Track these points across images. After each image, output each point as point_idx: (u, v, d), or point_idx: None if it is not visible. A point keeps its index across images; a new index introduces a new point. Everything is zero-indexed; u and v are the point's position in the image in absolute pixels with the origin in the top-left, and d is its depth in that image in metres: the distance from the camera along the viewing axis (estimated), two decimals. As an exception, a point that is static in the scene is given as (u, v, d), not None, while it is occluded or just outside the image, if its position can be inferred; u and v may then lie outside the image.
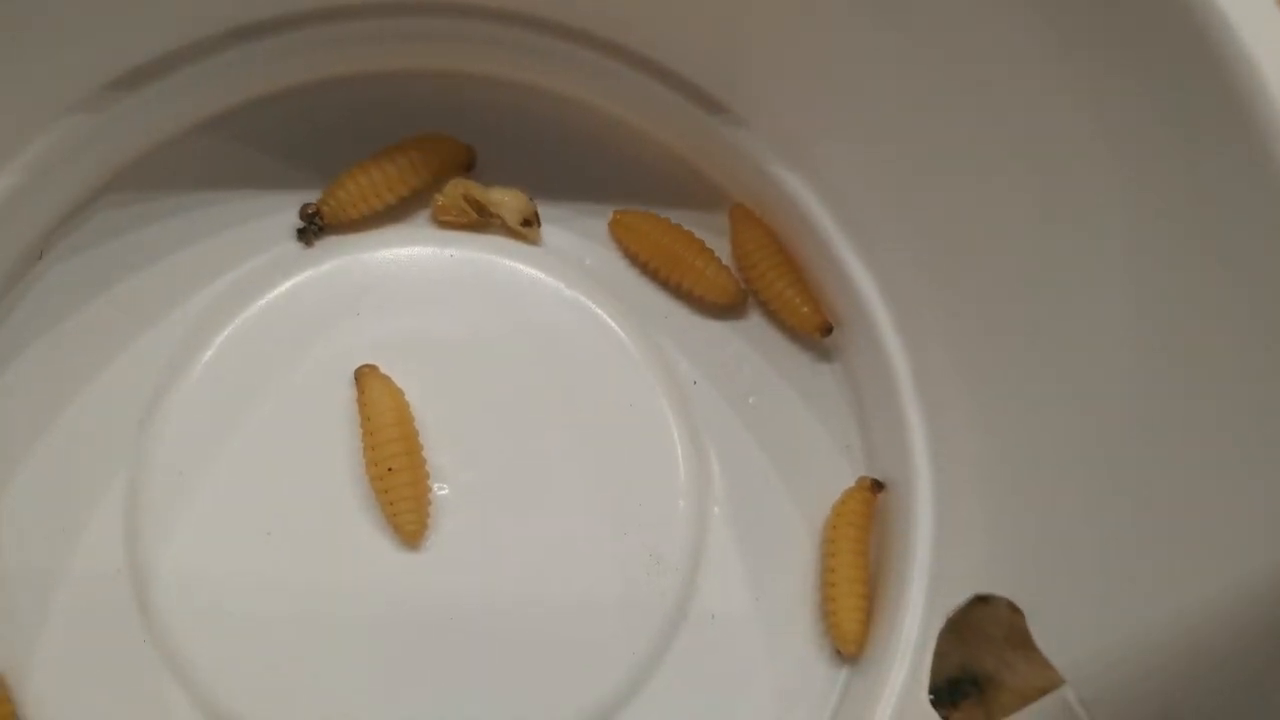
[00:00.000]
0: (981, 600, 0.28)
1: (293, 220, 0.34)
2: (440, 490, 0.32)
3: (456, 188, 0.34)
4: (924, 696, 0.29)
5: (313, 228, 0.34)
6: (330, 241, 0.34)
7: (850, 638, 0.32)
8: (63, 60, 0.30)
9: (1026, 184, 0.27)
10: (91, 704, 0.30)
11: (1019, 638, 0.26)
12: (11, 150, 0.30)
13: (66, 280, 0.33)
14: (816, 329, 0.34)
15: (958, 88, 0.27)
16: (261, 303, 0.33)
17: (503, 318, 0.34)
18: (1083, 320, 0.27)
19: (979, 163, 0.28)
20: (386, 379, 0.32)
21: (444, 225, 0.35)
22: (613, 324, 0.34)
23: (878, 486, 0.33)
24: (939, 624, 0.30)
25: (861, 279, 0.33)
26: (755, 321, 0.35)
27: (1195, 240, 0.22)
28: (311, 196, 0.34)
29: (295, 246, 0.34)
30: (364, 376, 0.32)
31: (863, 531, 0.33)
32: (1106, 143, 0.24)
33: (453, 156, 0.35)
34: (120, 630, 0.30)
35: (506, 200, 0.34)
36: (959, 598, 0.29)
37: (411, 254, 0.34)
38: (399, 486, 0.30)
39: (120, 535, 0.31)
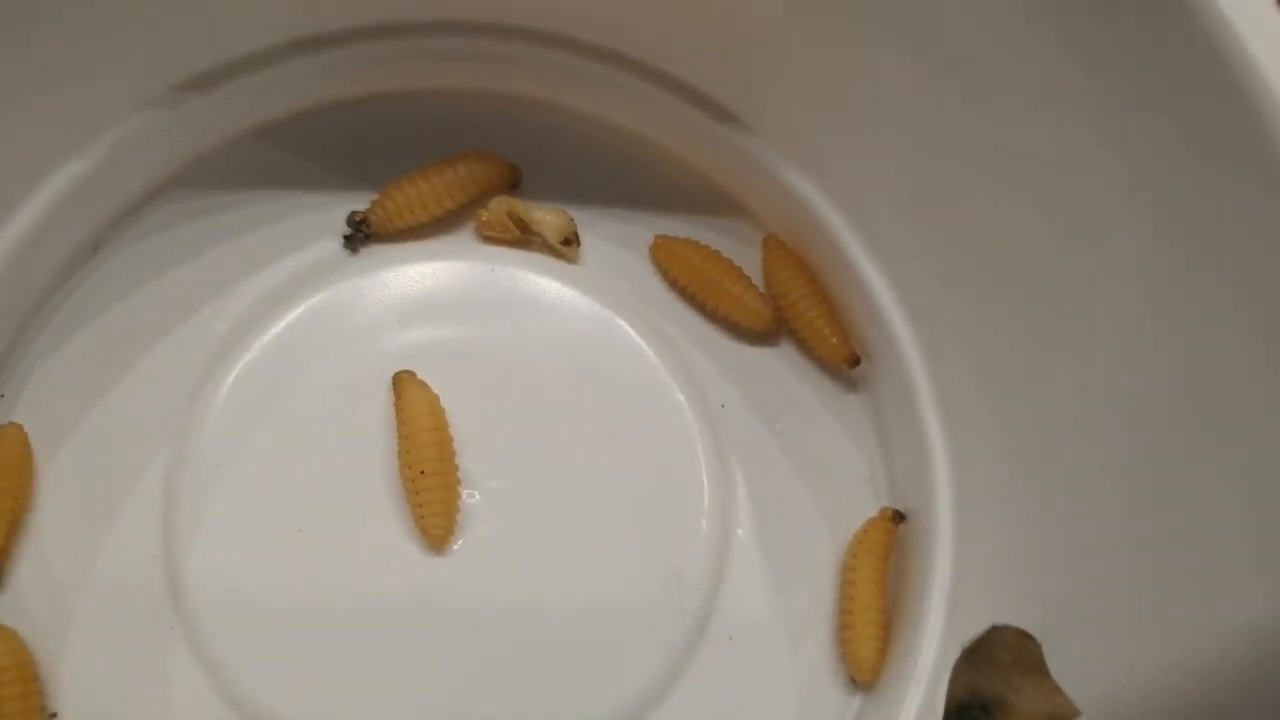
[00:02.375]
0: (998, 630, 0.28)
1: (340, 227, 0.35)
2: (470, 497, 0.32)
3: (501, 204, 0.35)
4: (937, 726, 0.29)
5: (359, 235, 0.35)
6: (376, 250, 0.35)
7: (866, 665, 0.32)
8: (135, 60, 0.31)
9: (1047, 211, 0.27)
10: (118, 686, 0.30)
11: (1034, 668, 0.26)
12: (85, 140, 0.32)
13: (120, 273, 0.34)
14: (845, 360, 0.35)
15: (967, 103, 0.28)
16: (306, 305, 0.34)
17: (539, 333, 0.35)
18: (1107, 360, 0.27)
19: (994, 182, 0.29)
20: (424, 385, 0.32)
21: (487, 240, 0.36)
22: (645, 344, 0.35)
23: (899, 517, 0.33)
24: (955, 654, 0.30)
25: (891, 313, 0.34)
26: (786, 350, 0.36)
27: (1211, 263, 0.22)
28: (359, 205, 0.35)
29: (342, 253, 0.35)
30: (402, 382, 0.32)
31: (882, 561, 0.33)
32: (1128, 177, 0.24)
33: (499, 174, 0.36)
34: (151, 616, 0.31)
35: (548, 219, 0.35)
36: (976, 628, 0.29)
37: (454, 266, 0.35)
38: (430, 490, 0.31)
39: (156, 523, 0.32)
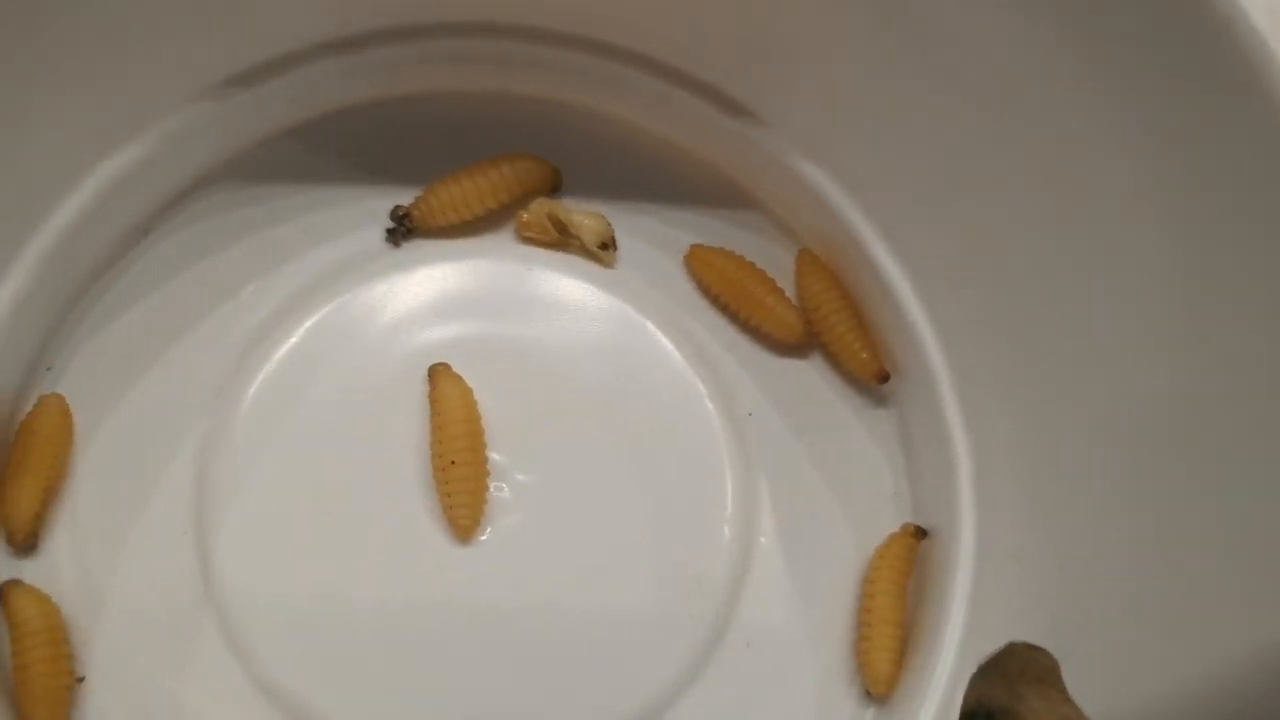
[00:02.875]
0: (1015, 646, 0.28)
1: (383, 221, 0.36)
2: (498, 490, 0.33)
3: (541, 207, 0.36)
4: (950, 741, 0.29)
5: (402, 229, 0.35)
6: (417, 245, 0.36)
7: (881, 677, 0.32)
8: (185, 55, 0.32)
9: (1072, 223, 0.28)
10: (144, 655, 0.31)
11: (1040, 678, 0.26)
12: (137, 128, 0.33)
13: (168, 256, 0.35)
14: (874, 376, 0.35)
15: (987, 113, 0.29)
16: (347, 295, 0.35)
17: (572, 334, 0.35)
18: (1132, 377, 0.28)
19: (1019, 192, 0.29)
20: (458, 377, 0.33)
21: (526, 241, 0.36)
22: (676, 350, 0.35)
23: (921, 534, 0.34)
24: (970, 669, 0.30)
25: (921, 329, 0.34)
26: (816, 362, 0.36)
27: (1241, 266, 0.23)
28: (402, 201, 0.35)
29: (383, 246, 0.36)
30: (437, 373, 0.33)
31: (903, 575, 0.33)
32: (1152, 183, 0.25)
33: (541, 177, 0.36)
34: (179, 589, 0.32)
35: (587, 223, 0.36)
36: (992, 644, 0.29)
37: (492, 265, 0.36)
38: (459, 480, 0.32)
39: (189, 499, 0.32)
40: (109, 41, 0.30)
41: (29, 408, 0.32)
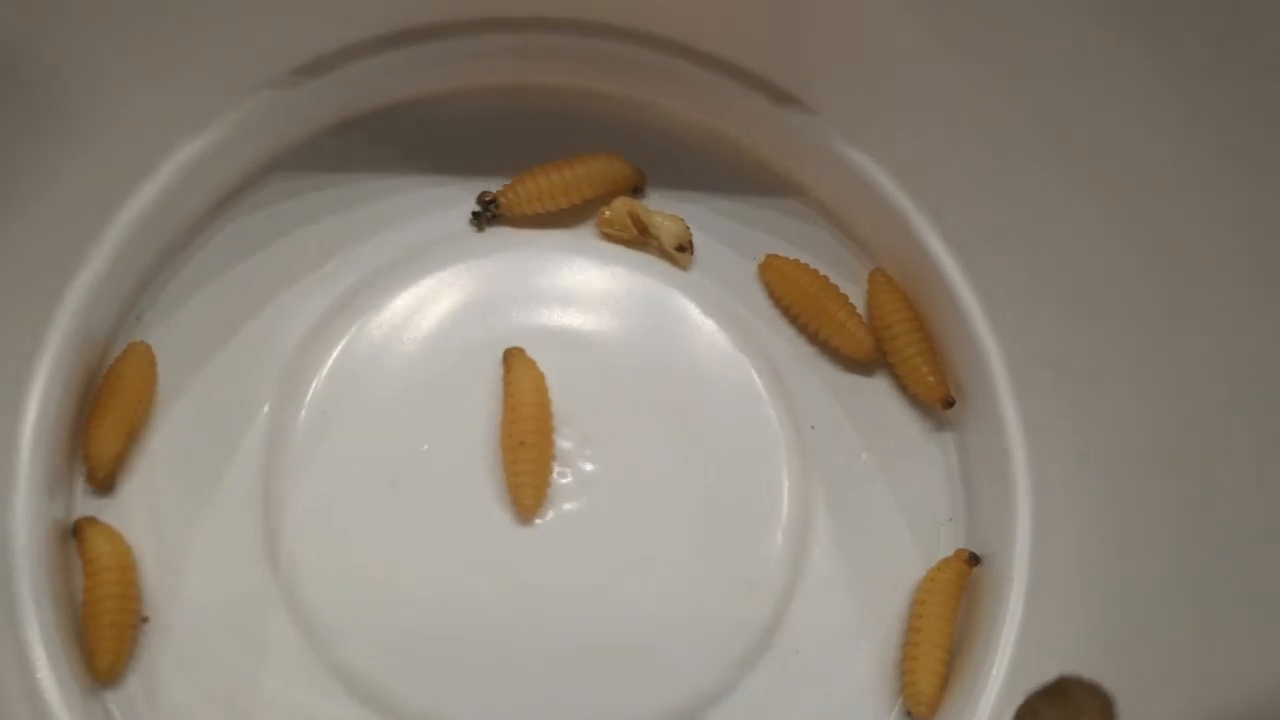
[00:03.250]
0: (1066, 680, 0.28)
1: (464, 210, 0.36)
2: (561, 476, 0.33)
3: (623, 205, 0.37)
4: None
5: (487, 214, 0.36)
6: (500, 232, 0.37)
7: (924, 699, 0.32)
8: (261, 43, 0.33)
9: (1142, 244, 0.28)
10: (206, 604, 0.32)
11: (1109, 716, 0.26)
12: (215, 112, 0.34)
13: (253, 230, 0.36)
14: (939, 400, 0.35)
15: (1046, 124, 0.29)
16: (429, 274, 0.35)
17: (644, 332, 0.36)
18: (1206, 420, 0.28)
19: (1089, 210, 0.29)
20: (532, 362, 0.34)
21: (605, 237, 0.37)
22: (744, 356, 0.36)
23: (975, 560, 0.34)
24: (1016, 699, 0.30)
25: (991, 356, 0.34)
26: (881, 381, 0.36)
27: None
28: (490, 188, 0.36)
29: (467, 229, 0.36)
30: (512, 357, 0.34)
31: (953, 600, 0.33)
32: (1230, 191, 0.25)
33: (625, 177, 0.37)
34: (244, 543, 0.32)
35: (667, 224, 0.36)
36: (1041, 676, 0.29)
37: (572, 258, 0.36)
38: (526, 461, 0.32)
39: (261, 459, 0.33)
40: (188, 35, 0.31)
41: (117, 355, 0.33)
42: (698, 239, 0.37)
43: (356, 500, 0.33)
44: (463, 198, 0.37)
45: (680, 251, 0.37)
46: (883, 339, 0.36)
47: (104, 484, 0.32)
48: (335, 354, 0.34)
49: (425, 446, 0.33)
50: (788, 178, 0.38)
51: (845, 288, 0.36)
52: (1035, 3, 0.29)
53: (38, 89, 0.29)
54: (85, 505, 0.32)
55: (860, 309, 0.36)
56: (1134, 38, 0.27)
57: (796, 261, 0.37)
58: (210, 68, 0.33)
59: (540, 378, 0.33)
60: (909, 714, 0.33)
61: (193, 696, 0.31)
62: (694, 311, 0.36)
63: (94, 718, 0.30)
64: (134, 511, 0.32)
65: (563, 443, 0.34)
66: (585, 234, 0.37)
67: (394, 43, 0.35)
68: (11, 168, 0.29)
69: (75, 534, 0.31)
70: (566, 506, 0.33)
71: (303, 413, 0.34)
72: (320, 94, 0.35)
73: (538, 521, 0.33)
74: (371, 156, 0.37)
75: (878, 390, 0.36)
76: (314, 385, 0.34)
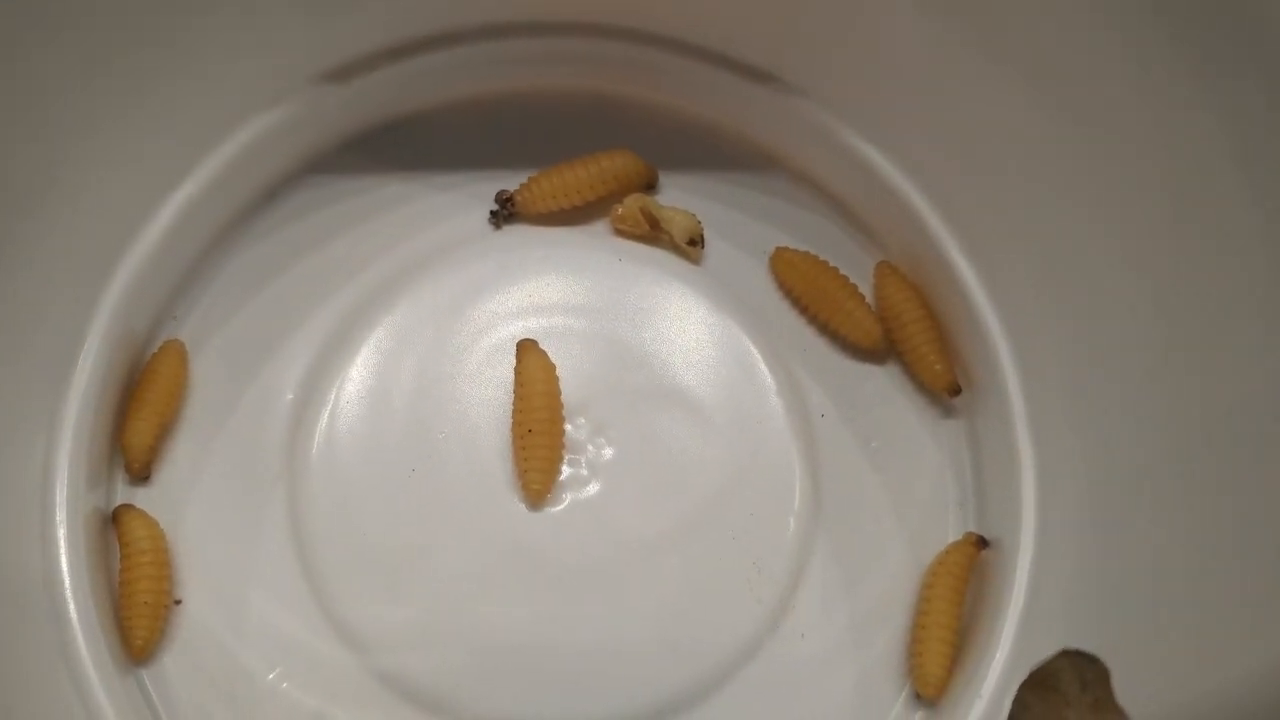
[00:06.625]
0: (1068, 654, 0.28)
1: (483, 209, 0.38)
2: (573, 464, 0.34)
3: (636, 201, 0.38)
4: (996, 747, 0.30)
5: (504, 211, 0.37)
6: (516, 229, 0.38)
7: (931, 680, 0.33)
8: (296, 48, 0.35)
9: (1157, 230, 0.28)
10: (233, 588, 0.33)
11: (1101, 693, 0.26)
12: (249, 116, 0.35)
13: (279, 232, 0.37)
14: (946, 388, 0.36)
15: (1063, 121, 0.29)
16: (448, 269, 0.37)
17: (655, 324, 0.37)
18: (1213, 411, 0.28)
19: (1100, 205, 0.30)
20: (543, 353, 0.35)
21: (618, 233, 0.38)
22: (754, 347, 0.36)
23: (982, 543, 0.34)
24: (1020, 676, 0.30)
25: (997, 343, 0.35)
26: (890, 370, 0.37)
27: None
28: (508, 187, 0.37)
29: (486, 227, 0.38)
30: (524, 348, 0.35)
31: (960, 583, 0.34)
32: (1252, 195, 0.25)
33: (638, 174, 0.38)
34: (271, 536, 0.34)
35: (678, 219, 0.37)
36: (1043, 653, 0.30)
37: (586, 253, 0.37)
38: (535, 448, 0.33)
39: (284, 445, 0.35)
40: (226, 40, 0.33)
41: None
42: (709, 233, 0.38)
43: (377, 484, 0.34)
44: (482, 196, 0.38)
45: (691, 245, 0.37)
46: (891, 328, 0.37)
47: (140, 474, 0.34)
48: (358, 349, 0.36)
49: (443, 435, 0.35)
50: (797, 172, 0.38)
51: (854, 279, 0.37)
52: (1051, 3, 0.29)
53: (74, 93, 0.31)
54: (124, 494, 0.34)
55: (869, 299, 0.37)
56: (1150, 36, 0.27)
57: (806, 253, 0.37)
58: (245, 71, 0.34)
59: (550, 367, 0.34)
60: (917, 695, 0.33)
61: (221, 675, 0.32)
62: (705, 304, 0.37)
63: (130, 694, 0.32)
64: (169, 500, 0.34)
65: (575, 432, 0.35)
66: (599, 230, 0.38)
67: (412, 51, 0.37)
68: (55, 178, 0.31)
69: (114, 520, 0.33)
70: (579, 494, 0.34)
71: (327, 405, 0.35)
72: (351, 100, 0.37)
73: (551, 509, 0.34)
74: (395, 160, 0.38)
75: (887, 379, 0.37)
76: (338, 378, 0.35)
